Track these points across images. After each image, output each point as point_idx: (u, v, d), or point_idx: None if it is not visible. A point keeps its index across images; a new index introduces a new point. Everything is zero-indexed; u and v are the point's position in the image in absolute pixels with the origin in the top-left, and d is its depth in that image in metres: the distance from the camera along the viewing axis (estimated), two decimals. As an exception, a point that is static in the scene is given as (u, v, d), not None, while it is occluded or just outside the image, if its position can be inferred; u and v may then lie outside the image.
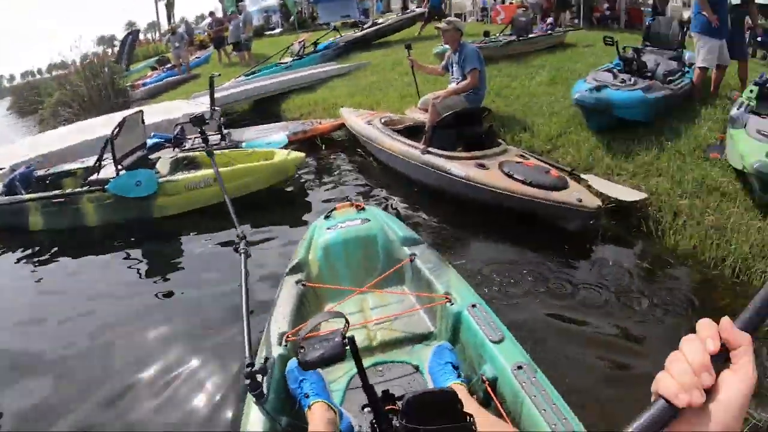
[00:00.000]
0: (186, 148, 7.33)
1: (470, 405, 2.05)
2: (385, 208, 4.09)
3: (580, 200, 4.82)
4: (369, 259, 3.51)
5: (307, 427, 2.18)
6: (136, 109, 7.71)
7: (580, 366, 3.46)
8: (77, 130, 9.99)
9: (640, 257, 4.87)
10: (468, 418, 1.80)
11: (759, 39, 13.29)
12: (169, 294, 4.86)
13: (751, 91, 6.57)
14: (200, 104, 10.41)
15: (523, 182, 5.11)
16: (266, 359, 2.44)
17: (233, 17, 18.39)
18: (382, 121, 7.17)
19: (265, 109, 11.80)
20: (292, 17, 25.92)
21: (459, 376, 2.48)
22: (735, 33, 7.69)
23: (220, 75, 10.23)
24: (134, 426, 3.28)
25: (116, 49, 28.02)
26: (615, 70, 7.17)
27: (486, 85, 6.98)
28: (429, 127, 6.25)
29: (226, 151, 6.89)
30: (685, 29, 8.78)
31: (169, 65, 19.99)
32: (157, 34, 42.06)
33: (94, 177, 6.15)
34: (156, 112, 10.17)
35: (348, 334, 1.80)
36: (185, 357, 3.79)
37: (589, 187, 5.42)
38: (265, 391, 2.14)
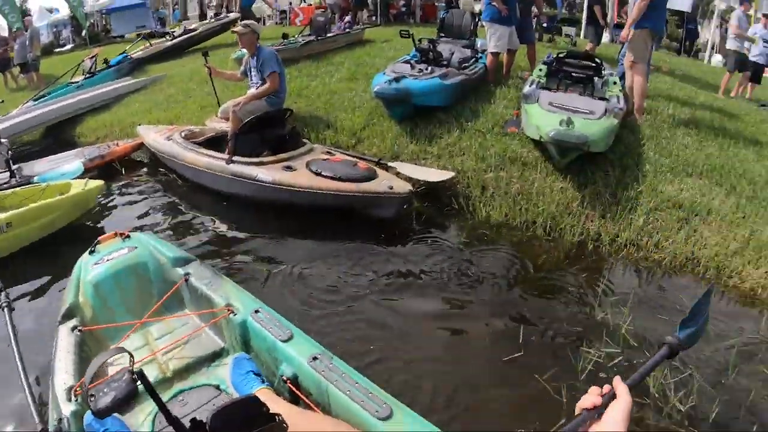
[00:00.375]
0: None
1: (277, 405, 2.06)
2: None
3: (392, 187, 4.87)
4: (143, 287, 3.27)
5: None
6: None
7: (419, 342, 3.49)
8: None
9: (457, 233, 5.02)
10: (276, 417, 1.76)
11: (544, 25, 14.64)
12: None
13: (541, 69, 7.10)
14: (-17, 138, 9.22)
15: (333, 178, 5.04)
16: (59, 420, 2.22)
17: (19, 34, 16.58)
18: (183, 134, 6.69)
19: (58, 135, 10.60)
20: (84, 31, 23.98)
21: (263, 381, 2.44)
22: (524, 20, 8.38)
23: (3, 101, 9.17)
24: None
25: None
26: (412, 62, 7.34)
27: (286, 87, 6.80)
28: (231, 135, 5.94)
29: (17, 189, 5.94)
30: (477, 20, 9.25)
31: (-55, 96, 17.65)
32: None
33: None
34: (-71, 152, 8.76)
35: (137, 369, 1.66)
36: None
37: (397, 174, 5.47)
38: None
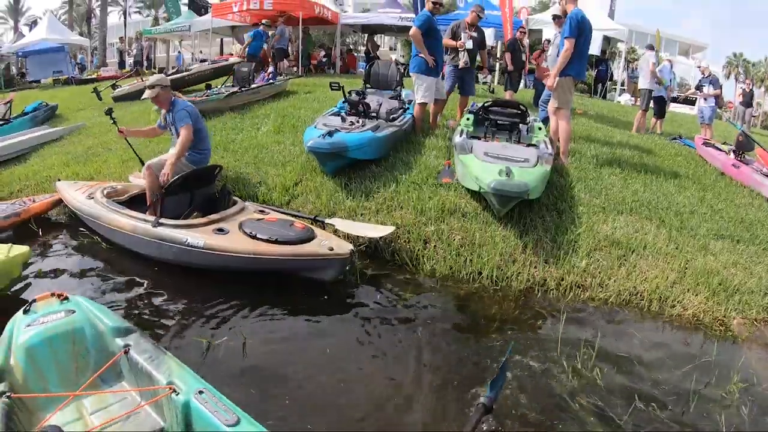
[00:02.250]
0: None
1: None
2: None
3: (332, 249, 4.68)
4: (79, 356, 3.09)
5: None
6: None
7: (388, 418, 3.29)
8: None
9: (403, 289, 4.87)
10: None
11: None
12: None
13: (468, 118, 7.19)
14: None
15: (269, 241, 4.78)
16: None
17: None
18: (105, 192, 6.19)
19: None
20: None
21: None
22: (467, 73, 8.85)
23: None
24: None
25: None
26: (342, 114, 7.32)
27: (209, 142, 6.45)
28: (156, 195, 5.59)
29: None
30: (402, 70, 9.39)
31: None
32: None
33: None
34: None
35: None
36: None
37: (335, 231, 5.34)
38: None
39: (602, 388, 3.54)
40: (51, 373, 2.99)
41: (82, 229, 6.34)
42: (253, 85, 11.74)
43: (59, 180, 7.15)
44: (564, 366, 3.74)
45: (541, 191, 5.50)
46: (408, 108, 8.30)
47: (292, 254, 4.68)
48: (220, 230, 5.03)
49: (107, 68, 27.14)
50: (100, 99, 13.86)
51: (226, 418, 2.36)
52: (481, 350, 3.94)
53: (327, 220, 5.59)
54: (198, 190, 5.78)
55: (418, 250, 5.31)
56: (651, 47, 12.04)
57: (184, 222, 5.25)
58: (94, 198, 6.05)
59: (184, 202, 5.69)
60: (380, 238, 5.27)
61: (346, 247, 4.76)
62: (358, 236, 5.26)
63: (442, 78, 8.73)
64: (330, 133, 6.17)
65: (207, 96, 10.69)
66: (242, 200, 5.86)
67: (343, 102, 7.87)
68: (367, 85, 9.08)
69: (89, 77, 23.54)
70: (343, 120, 6.95)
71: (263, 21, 15.29)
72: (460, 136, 6.41)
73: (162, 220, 5.22)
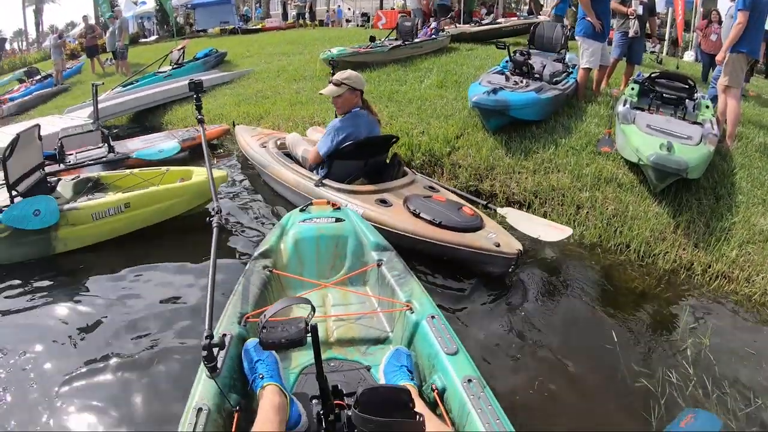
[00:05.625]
0: (71, 163, 6.60)
1: (420, 407, 2.13)
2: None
3: (498, 245, 4.17)
4: (338, 257, 3.59)
5: (256, 407, 2.21)
6: (32, 122, 6.34)
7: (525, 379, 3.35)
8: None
9: (551, 251, 4.96)
10: (417, 416, 1.84)
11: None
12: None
13: (633, 88, 7.07)
14: (75, 118, 9.53)
15: (432, 223, 4.39)
16: (224, 335, 2.46)
17: (111, 22, 17.28)
18: (278, 143, 6.26)
19: (144, 122, 11.07)
20: (172, 23, 23.77)
21: (412, 379, 2.50)
22: (637, 41, 8.72)
23: (103, 83, 9.36)
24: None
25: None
26: (506, 73, 7.43)
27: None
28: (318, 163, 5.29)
29: (137, 170, 5.79)
30: (568, 33, 9.30)
31: (38, 77, 17.91)
32: (24, 43, 39.19)
33: (-19, 206, 4.92)
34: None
35: (313, 323, 1.89)
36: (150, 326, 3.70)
37: (508, 227, 4.87)
38: (219, 365, 2.15)
39: (722, 378, 3.38)
40: (310, 263, 3.54)
41: (250, 163, 6.69)
42: (416, 40, 12.02)
43: (236, 124, 7.71)
44: (686, 351, 3.65)
45: (701, 172, 5.33)
46: (572, 72, 8.26)
47: (453, 242, 4.27)
48: (383, 201, 4.76)
49: (271, 19, 28.33)
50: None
51: (447, 346, 2.53)
52: (620, 324, 3.93)
53: (499, 210, 5.20)
54: (371, 158, 5.30)
55: (570, 214, 5.39)
56: None
57: (348, 187, 4.98)
58: (266, 147, 6.20)
59: (355, 167, 5.23)
60: (557, 242, 4.76)
61: (514, 246, 4.22)
62: (530, 235, 4.75)
63: (609, 43, 8.61)
64: (494, 91, 6.33)
65: (371, 48, 11.12)
66: (412, 170, 5.56)
67: (507, 61, 7.96)
68: (531, 46, 9.05)
69: (254, 27, 24.75)
70: (507, 79, 7.05)
71: None
72: (624, 105, 6.34)
73: (326, 181, 5.05)
